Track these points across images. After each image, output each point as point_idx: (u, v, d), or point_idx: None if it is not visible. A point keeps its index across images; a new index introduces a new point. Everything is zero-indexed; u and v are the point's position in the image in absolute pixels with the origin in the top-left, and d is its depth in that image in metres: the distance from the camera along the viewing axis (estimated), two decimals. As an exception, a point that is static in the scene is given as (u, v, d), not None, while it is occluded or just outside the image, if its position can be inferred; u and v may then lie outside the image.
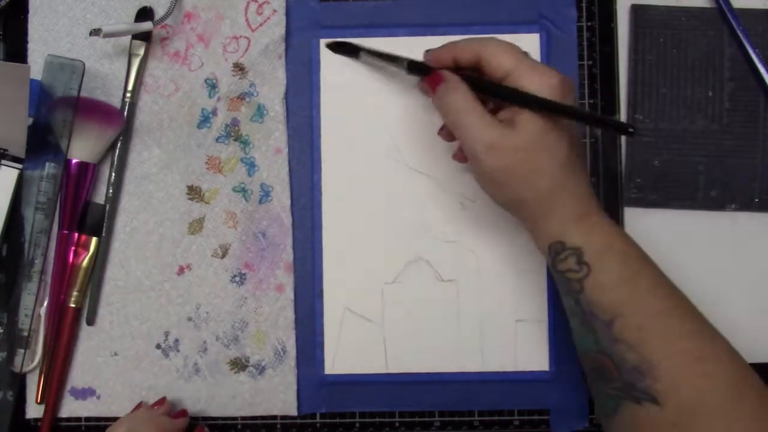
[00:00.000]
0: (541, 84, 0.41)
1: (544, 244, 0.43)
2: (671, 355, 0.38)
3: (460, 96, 0.43)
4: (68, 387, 0.52)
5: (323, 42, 0.52)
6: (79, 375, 0.52)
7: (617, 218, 0.52)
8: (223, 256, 0.52)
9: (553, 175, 0.41)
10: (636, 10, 0.52)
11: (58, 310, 0.51)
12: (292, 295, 0.52)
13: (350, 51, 0.52)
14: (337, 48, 0.52)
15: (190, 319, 0.52)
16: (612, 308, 0.40)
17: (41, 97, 0.50)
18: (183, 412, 0.50)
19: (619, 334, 0.39)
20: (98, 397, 0.52)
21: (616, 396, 0.40)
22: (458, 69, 0.45)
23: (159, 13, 0.52)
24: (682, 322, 0.40)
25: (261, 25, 0.52)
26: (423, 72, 0.47)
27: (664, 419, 0.38)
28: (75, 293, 0.51)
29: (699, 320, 0.40)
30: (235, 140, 0.52)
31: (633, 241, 0.42)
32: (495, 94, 0.43)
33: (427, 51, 0.47)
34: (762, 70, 0.51)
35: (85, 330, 0.52)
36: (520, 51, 0.43)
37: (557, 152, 0.41)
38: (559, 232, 0.42)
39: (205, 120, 0.53)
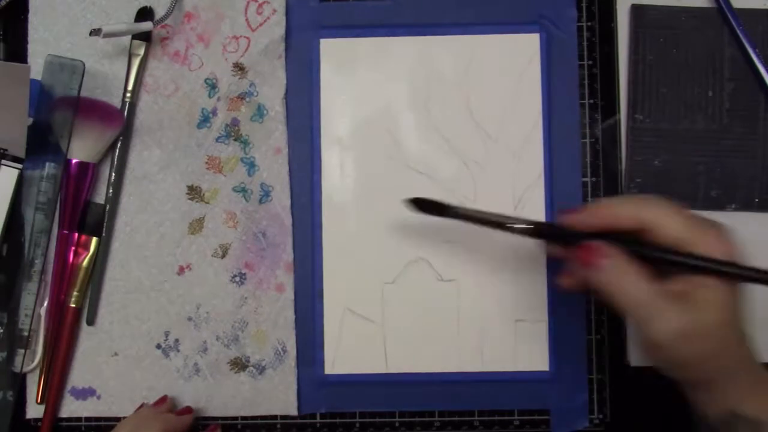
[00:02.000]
0: (719, 249, 0.37)
1: (715, 413, 0.39)
2: None
3: (632, 279, 0.38)
4: (68, 387, 0.52)
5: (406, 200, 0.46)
6: (79, 375, 0.52)
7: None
8: (223, 256, 0.52)
9: (738, 350, 0.38)
10: (636, 10, 0.52)
11: (58, 310, 0.51)
12: (292, 295, 0.52)
13: (438, 210, 0.45)
14: (422, 206, 0.46)
15: (190, 319, 0.52)
16: None
17: (41, 97, 0.50)
18: (188, 409, 0.50)
19: None
20: (98, 397, 0.52)
21: None
22: (605, 233, 0.39)
23: (159, 13, 0.52)
24: None
25: (261, 25, 0.52)
26: (560, 239, 0.41)
27: None
28: (75, 293, 0.51)
29: None
30: (235, 140, 0.52)
31: None
32: (665, 263, 0.38)
33: (561, 210, 0.41)
34: (762, 70, 0.51)
35: (85, 330, 0.52)
36: (687, 211, 0.39)
37: (740, 324, 0.38)
38: (736, 401, 0.38)
39: (205, 120, 0.53)
